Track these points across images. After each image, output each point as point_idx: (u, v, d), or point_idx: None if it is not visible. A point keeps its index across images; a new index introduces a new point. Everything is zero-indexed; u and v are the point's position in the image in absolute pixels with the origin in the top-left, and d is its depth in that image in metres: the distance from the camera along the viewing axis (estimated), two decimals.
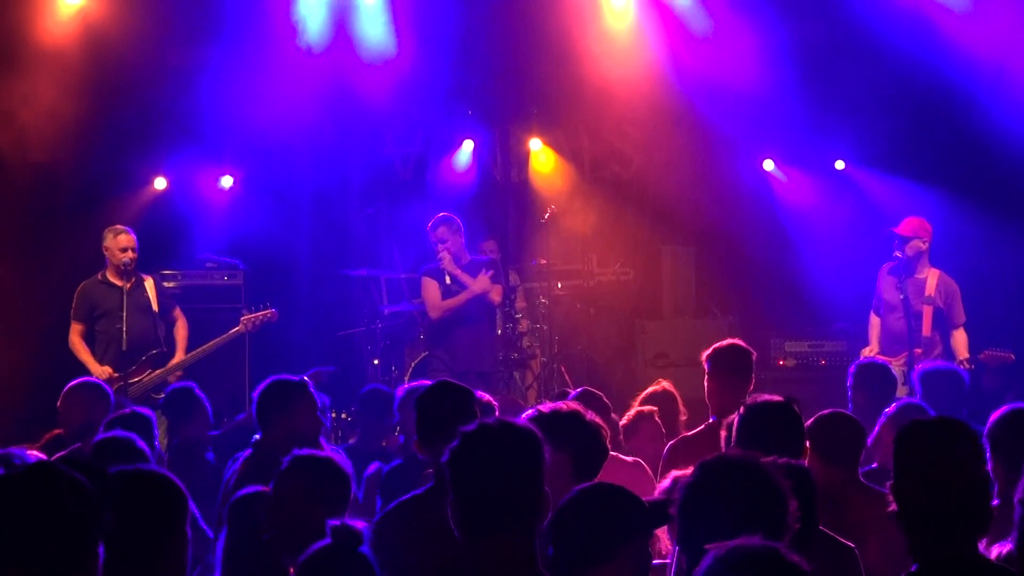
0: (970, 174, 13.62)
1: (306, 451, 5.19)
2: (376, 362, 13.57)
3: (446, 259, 11.96)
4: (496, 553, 3.86)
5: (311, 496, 4.82)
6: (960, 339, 11.55)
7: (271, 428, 6.83)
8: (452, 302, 11.99)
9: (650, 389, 8.89)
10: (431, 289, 12.09)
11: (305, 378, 6.96)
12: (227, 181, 14.39)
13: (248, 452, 6.97)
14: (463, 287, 11.97)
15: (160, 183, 13.94)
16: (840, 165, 14.54)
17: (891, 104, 13.81)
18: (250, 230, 13.93)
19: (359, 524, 4.27)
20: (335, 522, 4.20)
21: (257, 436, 6.90)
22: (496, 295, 12.16)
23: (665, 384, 8.93)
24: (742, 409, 5.43)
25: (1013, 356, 11.39)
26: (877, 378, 8.68)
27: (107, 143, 13.22)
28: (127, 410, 7.65)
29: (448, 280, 11.98)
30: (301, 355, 12.79)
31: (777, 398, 5.47)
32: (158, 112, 13.46)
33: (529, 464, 3.89)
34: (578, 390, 8.03)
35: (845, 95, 13.68)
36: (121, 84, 12.97)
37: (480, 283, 11.99)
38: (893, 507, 4.06)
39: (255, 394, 6.99)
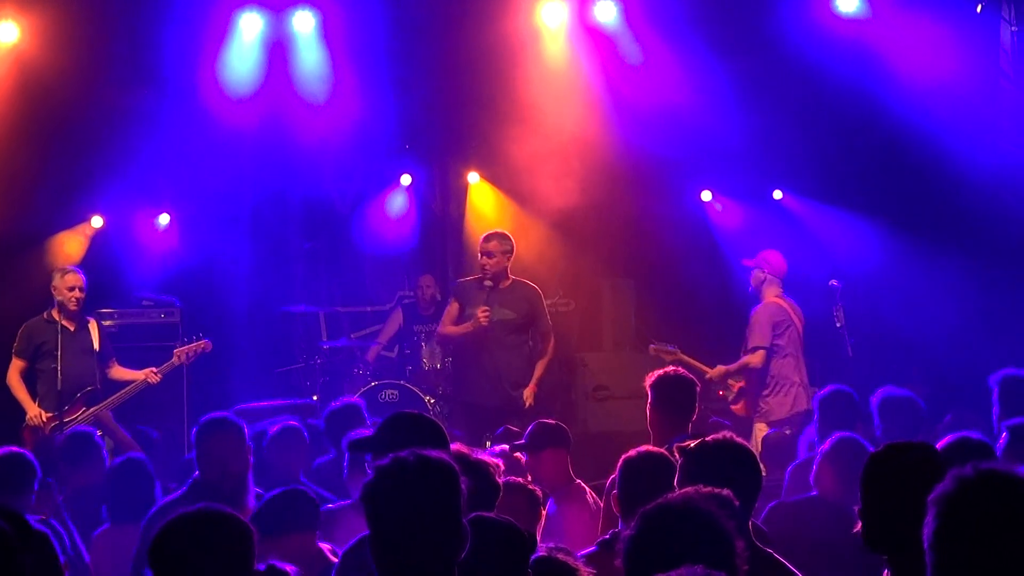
0: (907, 203, 13.71)
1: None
2: (315, 398, 13.49)
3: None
4: None
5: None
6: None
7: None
8: (456, 330, 11.83)
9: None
10: (449, 310, 12.01)
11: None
12: (164, 219, 14.29)
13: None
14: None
15: (97, 222, 13.82)
16: (778, 195, 14.60)
17: (827, 134, 13.88)
18: (187, 268, 13.86)
19: (288, 568, 4.25)
20: (262, 566, 4.14)
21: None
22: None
23: None
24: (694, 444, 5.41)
25: (673, 348, 11.75)
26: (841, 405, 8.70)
27: (43, 183, 13.11)
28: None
29: (489, 283, 11.74)
30: (240, 392, 12.71)
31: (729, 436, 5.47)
32: (94, 151, 13.36)
33: (445, 497, 3.80)
34: (540, 422, 8.18)
35: (782, 125, 13.71)
36: (56, 123, 12.90)
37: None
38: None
39: (193, 432, 6.97)
